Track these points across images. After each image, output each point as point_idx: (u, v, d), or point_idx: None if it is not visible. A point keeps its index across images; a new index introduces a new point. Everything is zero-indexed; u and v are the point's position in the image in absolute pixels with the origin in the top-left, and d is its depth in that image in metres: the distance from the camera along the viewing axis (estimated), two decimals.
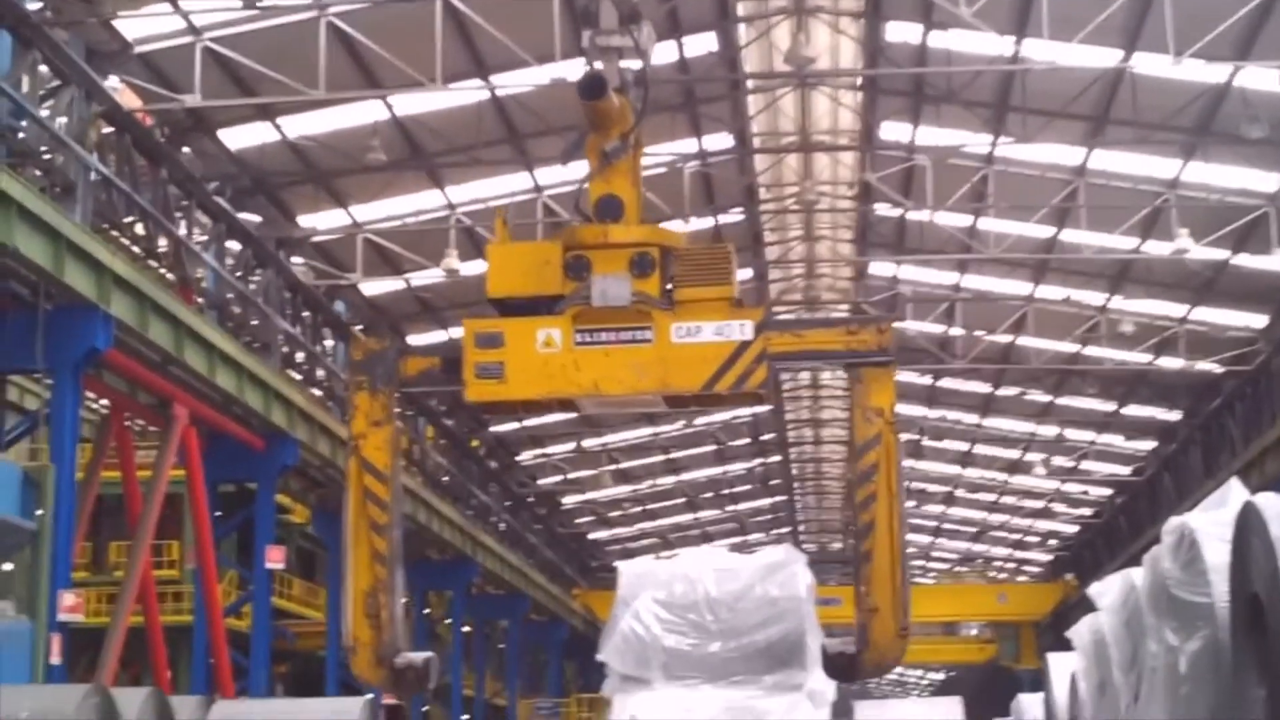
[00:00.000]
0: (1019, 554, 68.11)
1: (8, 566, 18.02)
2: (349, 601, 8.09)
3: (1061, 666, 13.05)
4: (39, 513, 17.70)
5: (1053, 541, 64.46)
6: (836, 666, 8.10)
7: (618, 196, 8.38)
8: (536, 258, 8.33)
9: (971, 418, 49.60)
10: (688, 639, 12.23)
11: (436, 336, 39.33)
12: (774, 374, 8.28)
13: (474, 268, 33.55)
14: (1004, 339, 40.53)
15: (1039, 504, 58.53)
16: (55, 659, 17.55)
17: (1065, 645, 13.22)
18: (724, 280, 8.25)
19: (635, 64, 8.89)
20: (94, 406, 31.86)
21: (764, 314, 8.23)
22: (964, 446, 52.80)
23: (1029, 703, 15.19)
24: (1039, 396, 45.85)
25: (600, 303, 8.13)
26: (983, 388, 46.20)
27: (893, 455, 8.08)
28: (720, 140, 32.98)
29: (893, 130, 32.51)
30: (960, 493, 58.74)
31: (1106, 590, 10.31)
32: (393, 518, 8.16)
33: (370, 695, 15.31)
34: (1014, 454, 52.57)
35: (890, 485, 8.04)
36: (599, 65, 8.38)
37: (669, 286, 8.39)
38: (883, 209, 35.43)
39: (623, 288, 8.13)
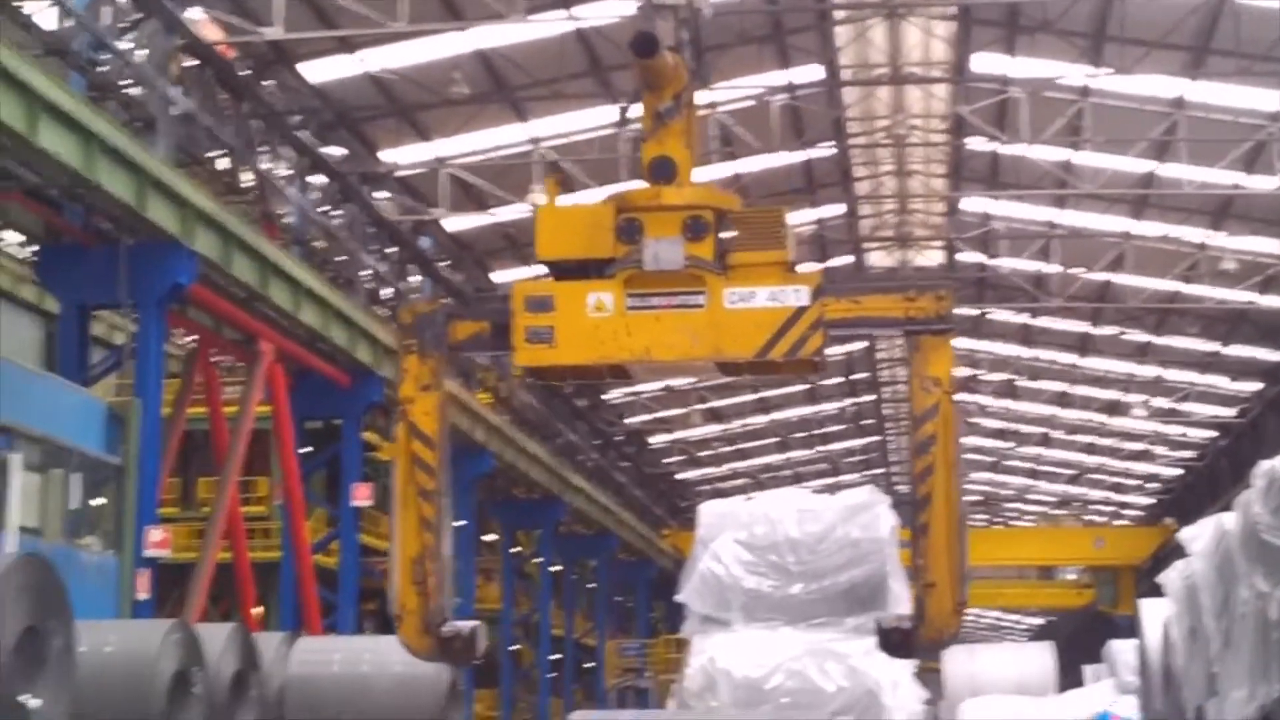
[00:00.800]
0: (1117, 497, 67.52)
1: (96, 502, 18.30)
2: (396, 568, 8.12)
3: (1154, 612, 12.94)
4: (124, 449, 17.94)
5: (1153, 485, 63.86)
6: (891, 642, 8.00)
7: (671, 158, 8.26)
8: (588, 220, 8.24)
9: (1068, 357, 49.13)
10: (768, 580, 12.23)
11: (522, 273, 39.38)
12: (828, 341, 8.16)
13: (559, 202, 33.54)
14: (1101, 277, 40.05)
15: (1138, 446, 57.94)
16: (142, 594, 17.83)
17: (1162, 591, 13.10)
18: (779, 244, 8.10)
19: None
20: (180, 342, 32.24)
21: (819, 279, 8.10)
22: (1060, 387, 52.33)
23: (1121, 649, 15.06)
24: (1137, 336, 45.30)
25: (652, 266, 8.03)
26: (1079, 327, 45.72)
27: (951, 426, 7.95)
28: (809, 72, 32.70)
29: (986, 62, 32.09)
30: (1057, 434, 58.27)
31: (1198, 535, 10.20)
32: (440, 484, 8.14)
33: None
34: (1112, 395, 52.04)
35: (948, 457, 7.92)
36: (652, 22, 8.26)
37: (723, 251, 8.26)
38: (976, 143, 35.02)
39: (675, 251, 8.02)
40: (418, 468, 8.16)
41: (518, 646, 47.75)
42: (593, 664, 49.97)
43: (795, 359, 8.00)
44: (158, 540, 18.27)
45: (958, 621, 7.90)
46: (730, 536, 12.31)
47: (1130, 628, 14.06)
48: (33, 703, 8.84)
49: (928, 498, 7.94)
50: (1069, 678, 19.44)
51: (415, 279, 32.09)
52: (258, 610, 26.89)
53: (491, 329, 8.36)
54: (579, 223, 8.26)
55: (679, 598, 12.81)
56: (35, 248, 20.90)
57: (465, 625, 8.23)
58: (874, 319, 8.21)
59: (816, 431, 60.19)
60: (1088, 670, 18.72)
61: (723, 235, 8.15)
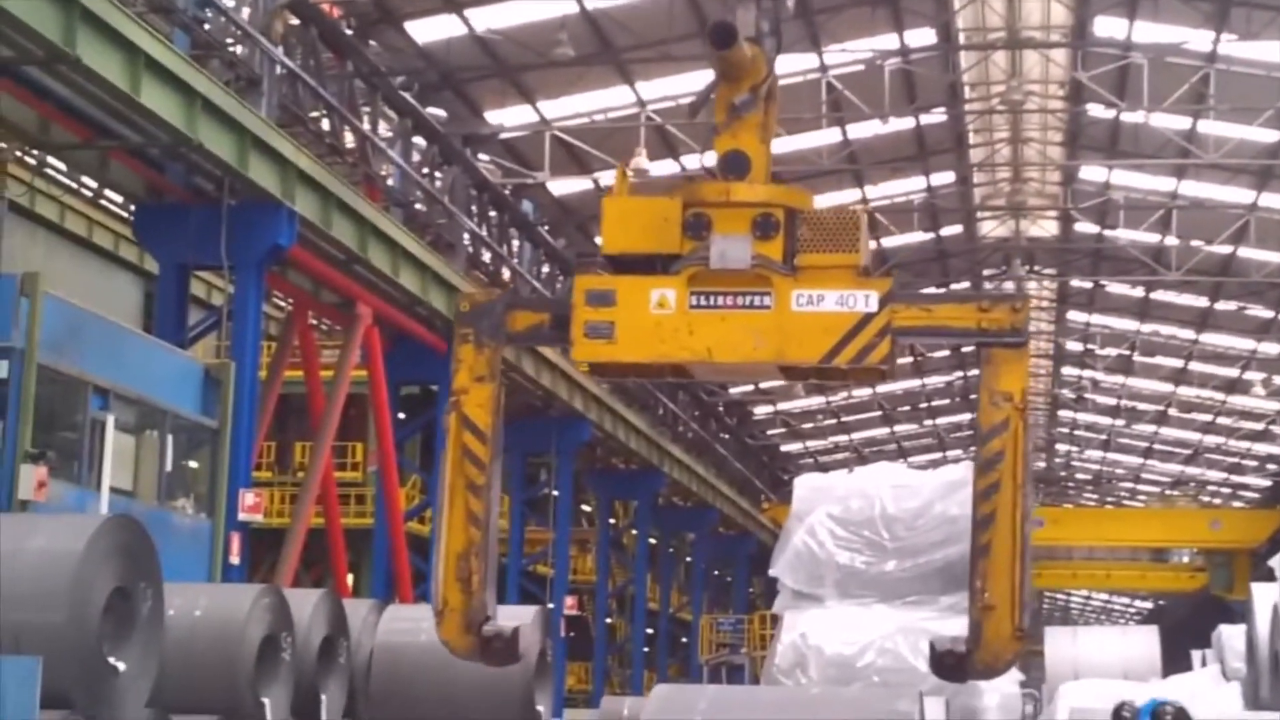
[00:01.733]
0: (1235, 478, 66.61)
1: (190, 464, 18.57)
2: (440, 563, 8.09)
3: (1266, 597, 12.78)
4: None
5: (1272, 466, 62.93)
6: (944, 666, 7.88)
7: (744, 153, 8.13)
8: (655, 214, 8.12)
9: (1187, 333, 48.49)
10: (862, 556, 12.21)
11: None
12: (897, 349, 8.06)
13: (664, 168, 33.54)
14: (1223, 250, 39.45)
15: (1258, 426, 57.08)
16: (234, 558, 18.06)
17: (1275, 575, 12.93)
18: (852, 247, 7.98)
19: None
20: (279, 304, 32.60)
21: (891, 285, 7.97)
22: (1178, 363, 51.67)
23: (1230, 634, 14.88)
24: (1260, 312, 44.60)
25: (719, 264, 7.93)
26: (1199, 301, 45.10)
27: (1020, 444, 7.78)
28: (923, 36, 32.39)
29: (1107, 26, 31.64)
30: (1173, 412, 57.55)
31: None
32: (490, 479, 8.12)
33: (548, 606, 15.51)
34: (1232, 372, 51.32)
35: (1016, 475, 7.76)
36: (732, 11, 8.16)
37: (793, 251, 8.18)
38: (1095, 110, 34.57)
39: (743, 250, 7.92)
40: (468, 461, 8.11)
41: (612, 619, 47.97)
42: (687, 639, 50.08)
43: (861, 366, 7.91)
44: (250, 504, 18.48)
45: (1016, 647, 7.80)
46: (825, 511, 12.29)
47: (1244, 613, 13.88)
48: (120, 665, 9.01)
49: (991, 516, 7.81)
50: (1179, 664, 19.23)
51: (516, 244, 32.22)
52: (349, 577, 27.15)
53: (551, 320, 8.30)
54: (646, 216, 8.14)
55: (772, 572, 12.81)
56: (135, 207, 21.17)
57: (507, 626, 8.21)
58: (945, 329, 8.07)
59: (923, 405, 59.83)
60: (1196, 656, 18.52)
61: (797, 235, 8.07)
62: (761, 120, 8.18)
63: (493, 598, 8.29)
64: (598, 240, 35.09)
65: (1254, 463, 63.60)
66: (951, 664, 7.85)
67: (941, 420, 63.14)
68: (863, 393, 56.42)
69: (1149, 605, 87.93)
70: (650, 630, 46.61)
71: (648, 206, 8.25)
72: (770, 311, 7.93)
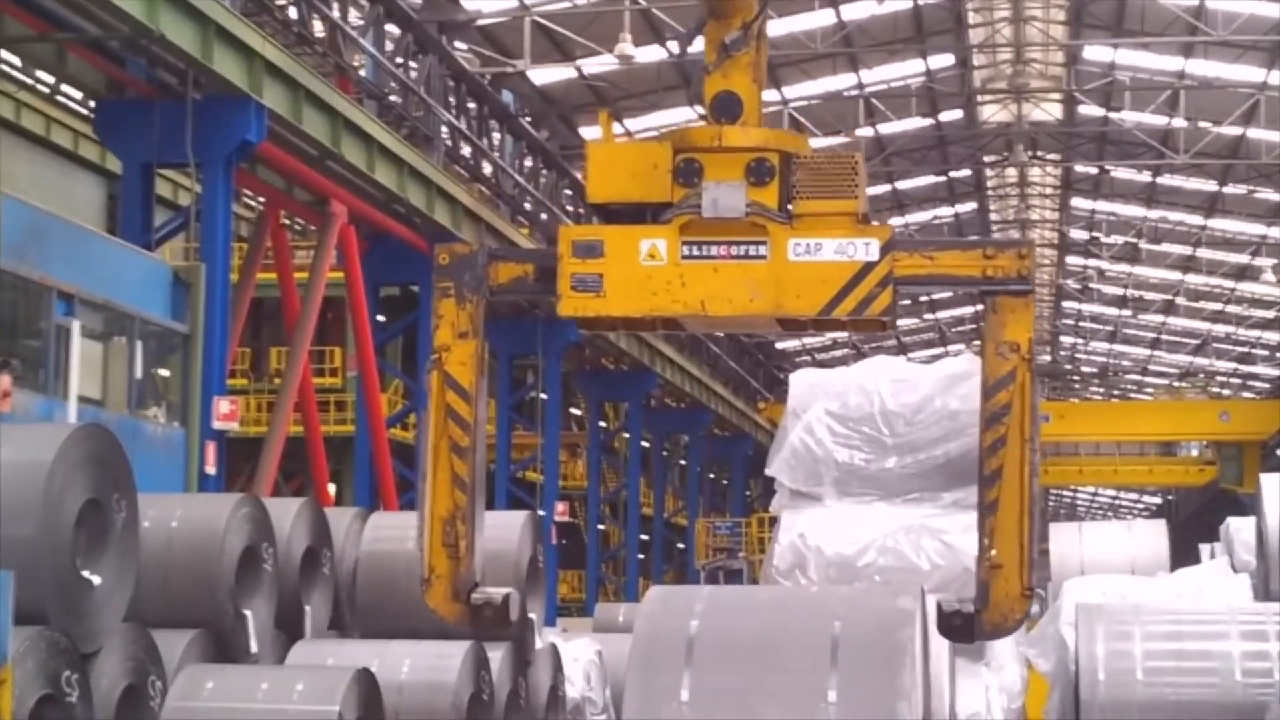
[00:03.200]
0: (1245, 368, 66.85)
1: (161, 372, 18.54)
2: (425, 528, 8.02)
3: (1275, 487, 12.83)
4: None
5: None
6: (951, 626, 7.87)
7: (736, 94, 7.96)
8: (644, 160, 7.96)
9: (1195, 218, 48.44)
10: (861, 453, 12.21)
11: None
12: (898, 298, 7.99)
13: (651, 54, 33.32)
14: (1232, 131, 39.33)
15: (1268, 313, 57.22)
16: (210, 468, 18.08)
17: None
18: (850, 193, 7.86)
19: None
20: (250, 203, 32.46)
21: (891, 233, 7.87)
22: (1186, 250, 51.68)
23: (1239, 526, 14.97)
24: (1271, 195, 44.56)
25: (711, 213, 7.78)
26: (1208, 185, 45.01)
27: (1027, 396, 7.74)
28: None
29: None
30: (1181, 301, 57.65)
31: None
32: (475, 440, 8.04)
33: (538, 513, 15.56)
34: (1242, 258, 51.35)
35: (1023, 429, 7.72)
36: None
37: (789, 197, 8.06)
38: None
39: (737, 197, 7.78)
40: (452, 421, 8.03)
41: (604, 526, 48.20)
42: (683, 545, 50.36)
43: (862, 318, 7.86)
44: (226, 412, 18.47)
45: (1025, 606, 7.79)
46: (822, 407, 12.28)
47: (1253, 505, 13.96)
48: (95, 578, 9.01)
49: (998, 473, 7.78)
50: (1189, 558, 19.37)
51: (497, 137, 32.04)
52: (331, 487, 27.22)
53: (535, 272, 8.19)
54: (633, 163, 7.98)
55: (768, 471, 12.83)
56: (96, 103, 21.01)
57: (497, 592, 8.15)
58: (948, 277, 8.00)
59: (923, 298, 59.87)
60: (1204, 549, 18.66)
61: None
62: (753, 59, 8.04)
63: (480, 564, 8.23)
64: (582, 133, 35.16)
65: (1264, 352, 63.79)
66: (959, 624, 7.86)
67: (943, 314, 63.18)
68: None
69: (1158, 501, 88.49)
70: (644, 536, 46.83)
71: (636, 152, 8.11)
72: (766, 262, 7.83)
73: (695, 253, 7.88)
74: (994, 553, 7.77)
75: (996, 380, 7.83)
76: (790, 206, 7.90)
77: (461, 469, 8.05)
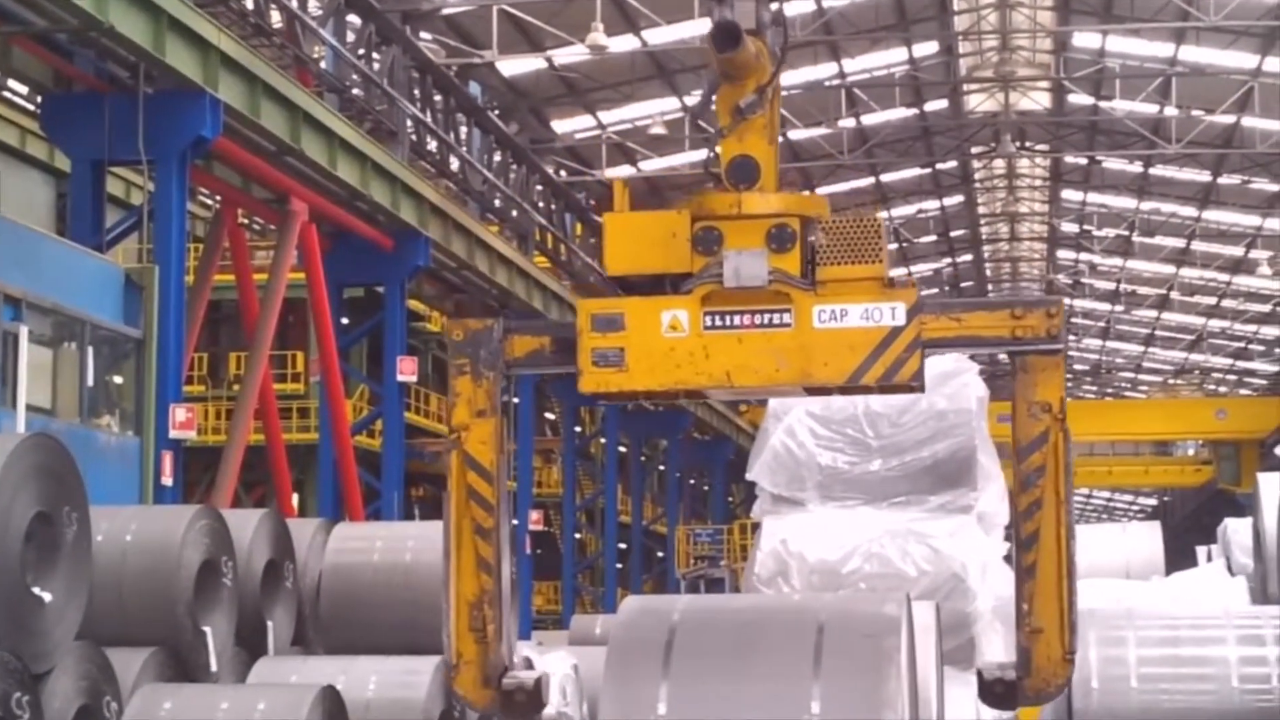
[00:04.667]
0: (1241, 364, 67.09)
1: (114, 379, 18.48)
2: (451, 614, 8.10)
3: (1273, 487, 12.88)
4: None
5: None
6: (994, 694, 8.02)
7: (753, 158, 8.06)
8: (662, 229, 8.06)
9: (1188, 210, 48.60)
10: (845, 456, 12.22)
11: (582, 122, 39.27)
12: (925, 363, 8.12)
13: (624, 44, 33.33)
14: (1226, 119, 39.46)
15: (1265, 307, 57.44)
16: (166, 479, 18.01)
17: None
18: (874, 256, 7.96)
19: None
20: (205, 202, 32.37)
21: (917, 296, 7.97)
22: (1180, 243, 51.84)
23: (1236, 527, 15.03)
24: (1266, 185, 44.72)
25: (733, 282, 7.88)
26: (1201, 176, 45.17)
27: (1061, 456, 7.91)
28: None
29: None
30: (1176, 295, 57.82)
31: None
32: (499, 520, 8.11)
33: (511, 522, 15.49)
34: (1237, 251, 51.52)
35: (1058, 490, 7.90)
36: (729, 4, 8.04)
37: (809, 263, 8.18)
38: None
39: (759, 265, 7.88)
40: (474, 503, 8.10)
41: (581, 534, 48.17)
42: (663, 553, 50.34)
43: (890, 384, 7.97)
44: (182, 420, 18.41)
45: (1068, 671, 7.96)
46: (804, 409, 12.28)
47: (1250, 505, 14.02)
48: (45, 595, 8.97)
49: (1034, 536, 7.94)
50: (1185, 561, 19.45)
51: (464, 130, 32.01)
52: (294, 497, 27.15)
53: (553, 344, 8.25)
54: (652, 232, 8.07)
55: (749, 476, 12.83)
56: (43, 98, 20.94)
57: (528, 676, 8.22)
58: (976, 339, 8.13)
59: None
60: (1201, 552, 18.72)
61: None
62: (768, 120, 8.12)
63: (511, 648, 8.29)
64: (554, 125, 35.09)
65: (1261, 347, 64.02)
66: (1001, 692, 8.02)
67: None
68: None
69: (1153, 502, 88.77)
70: (623, 545, 46.79)
71: (653, 221, 8.18)
72: (791, 330, 7.93)
73: (718, 323, 7.98)
74: (1033, 617, 7.93)
75: (1029, 442, 7.98)
76: (813, 273, 8.00)
77: (486, 551, 8.12)
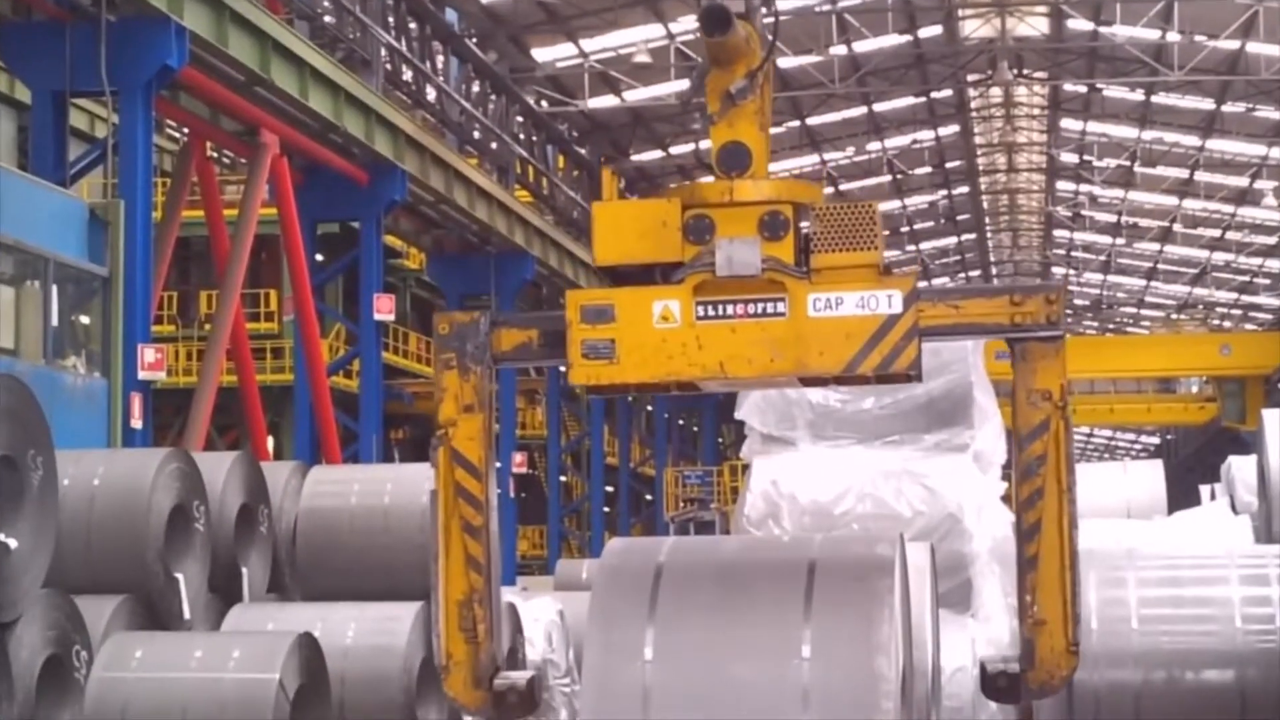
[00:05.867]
0: (1246, 298, 67.19)
1: (80, 318, 18.44)
2: (441, 613, 8.16)
3: (1278, 424, 12.88)
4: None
5: None
6: (997, 687, 8.12)
7: (744, 144, 8.09)
8: (652, 218, 8.08)
9: (1191, 139, 48.54)
10: (837, 393, 12.23)
11: (563, 50, 39.09)
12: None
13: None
14: (1230, 45, 39.36)
15: (1270, 240, 57.48)
16: (136, 422, 18.00)
17: None
18: (869, 243, 8.00)
19: None
20: (173, 134, 32.26)
21: (914, 283, 8.00)
22: (1183, 173, 51.81)
23: (1240, 465, 15.03)
24: (1271, 113, 44.66)
25: (726, 271, 7.91)
26: (1204, 104, 45.08)
27: (1062, 444, 7.99)
28: None
29: None
30: (1178, 228, 57.84)
31: None
32: (488, 517, 8.17)
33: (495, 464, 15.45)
34: (1241, 181, 51.50)
35: (1060, 480, 7.97)
36: None
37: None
38: None
39: (752, 253, 7.91)
40: (462, 500, 8.15)
41: (566, 477, 48.29)
42: (651, 496, 50.49)
43: (887, 373, 8.01)
44: (151, 361, 18.39)
45: (1072, 663, 8.05)
46: None
47: (1254, 443, 14.04)
48: (10, 542, 8.97)
49: (1037, 526, 8.01)
50: (1188, 500, 19.48)
51: (441, 60, 31.88)
52: (269, 440, 27.17)
53: (541, 337, 8.29)
54: (641, 221, 8.09)
55: (738, 415, 12.84)
56: (1, 27, 20.79)
57: (520, 676, 8.29)
58: (975, 325, 8.20)
59: (904, 228, 59.95)
60: (1204, 491, 18.75)
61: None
62: (759, 105, 8.15)
63: (501, 648, 8.35)
64: (534, 54, 35.05)
65: (1266, 280, 64.10)
66: (1004, 685, 8.11)
67: (925, 245, 63.29)
68: None
69: (1155, 440, 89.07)
70: (610, 488, 46.94)
71: (643, 210, 8.21)
72: (785, 319, 7.96)
73: (711, 313, 8.01)
74: (1037, 609, 8.01)
75: (1030, 431, 8.05)
76: (807, 261, 8.04)
77: (475, 549, 8.18)
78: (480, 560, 8.19)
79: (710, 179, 8.19)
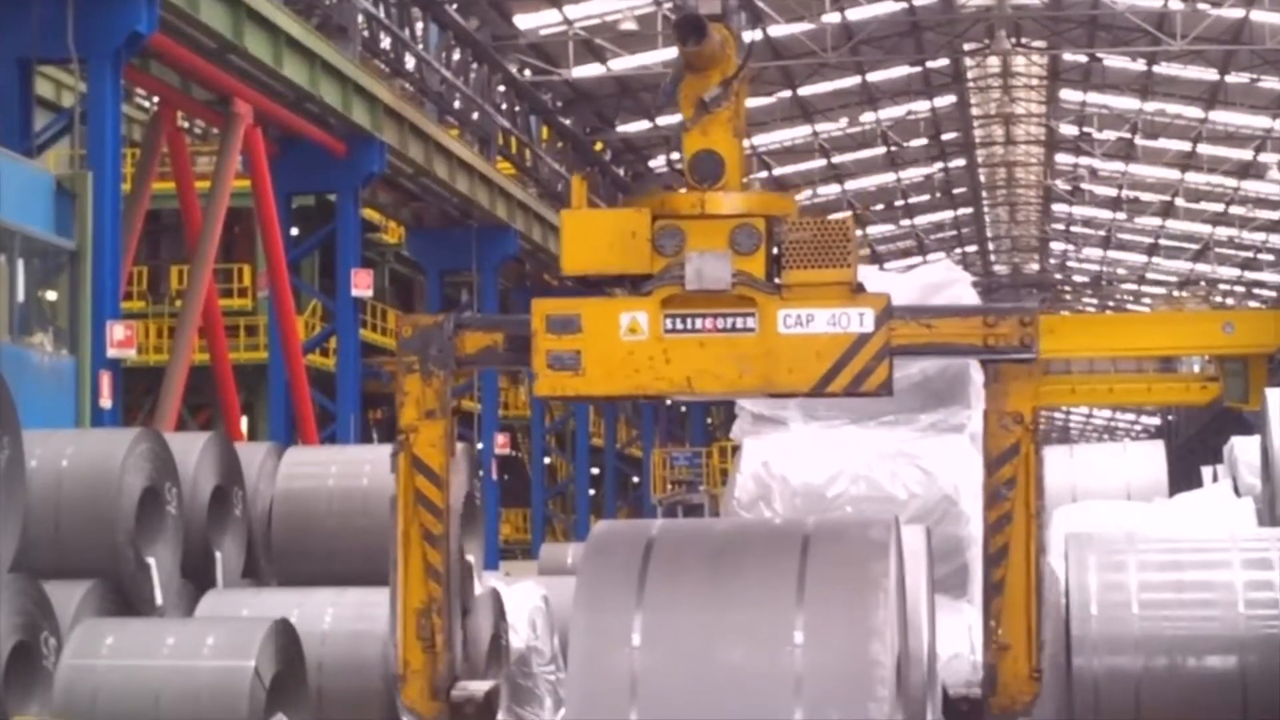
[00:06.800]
0: (1250, 275, 67.31)
1: (47, 294, 18.41)
2: (399, 622, 8.25)
3: None
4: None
5: None
6: (959, 712, 8.28)
7: (717, 153, 8.14)
8: (621, 228, 8.13)
9: (1194, 111, 48.57)
10: None
11: (547, 17, 38.98)
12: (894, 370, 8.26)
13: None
14: (1234, 14, 39.39)
15: (1274, 214, 57.56)
16: (105, 401, 18.00)
17: None
18: (842, 260, 8.07)
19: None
20: (142, 103, 32.19)
21: (886, 301, 8.06)
22: (1185, 146, 51.86)
23: (1244, 446, 15.09)
24: (1275, 84, 44.69)
25: (695, 285, 7.97)
26: (1207, 74, 45.10)
27: (1032, 469, 8.14)
28: None
29: None
30: (1180, 202, 57.91)
31: None
32: (448, 526, 8.24)
33: (476, 445, 15.50)
34: (1245, 154, 51.54)
35: (1029, 505, 8.13)
36: None
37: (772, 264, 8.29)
38: None
39: (722, 267, 7.98)
40: (422, 507, 8.22)
41: (550, 459, 48.30)
42: (638, 478, 50.52)
43: (857, 392, 8.06)
44: (121, 338, 18.39)
45: (1034, 689, 8.18)
46: None
47: (1258, 423, 14.10)
48: None
49: (1003, 550, 8.16)
50: (1190, 482, 19.55)
51: (420, 26, 31.82)
52: (243, 420, 27.16)
53: (506, 341, 8.35)
54: (610, 231, 8.15)
55: None
56: None
57: (479, 687, 8.37)
58: (947, 346, 8.30)
59: (899, 203, 59.94)
60: (1206, 472, 18.81)
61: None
62: (733, 113, 8.18)
63: (459, 658, 8.40)
64: (516, 21, 34.94)
65: (1270, 256, 64.23)
66: (966, 710, 8.27)
67: (920, 219, 63.29)
68: (829, 189, 56.44)
69: (1156, 421, 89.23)
70: (595, 470, 46.94)
71: (612, 220, 8.28)
72: (755, 335, 8.03)
73: (679, 326, 8.07)
74: (1001, 633, 8.15)
75: (999, 454, 8.18)
76: (779, 276, 8.09)
77: (435, 558, 8.27)
78: (440, 569, 8.27)
79: (682, 190, 8.25)
